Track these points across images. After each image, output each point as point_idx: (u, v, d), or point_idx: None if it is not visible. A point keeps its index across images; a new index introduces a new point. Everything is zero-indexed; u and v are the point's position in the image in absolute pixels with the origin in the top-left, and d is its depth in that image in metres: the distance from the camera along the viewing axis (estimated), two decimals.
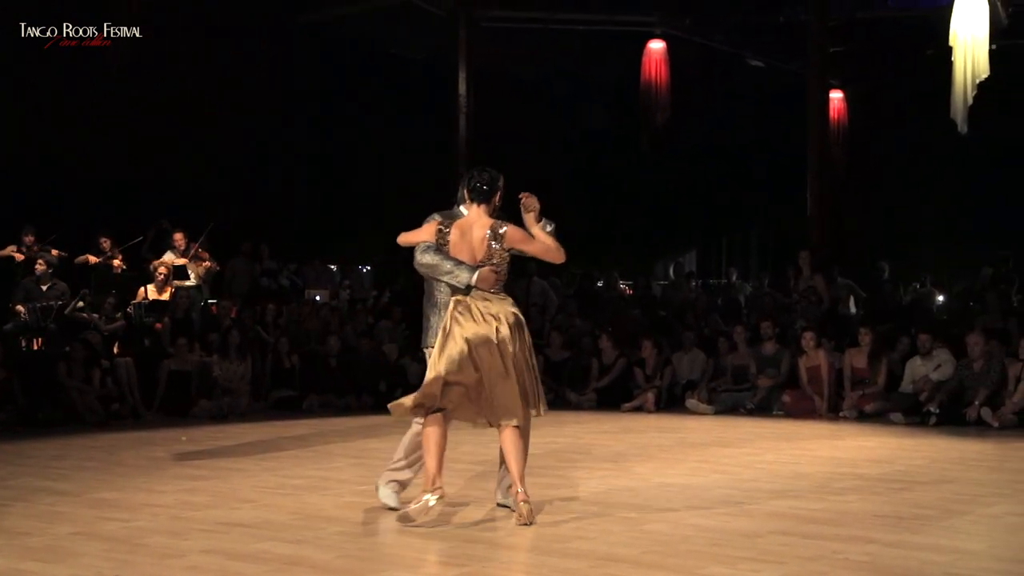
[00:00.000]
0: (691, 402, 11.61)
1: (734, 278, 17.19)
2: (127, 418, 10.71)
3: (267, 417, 11.15)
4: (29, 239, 12.86)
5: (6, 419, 9.87)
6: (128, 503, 6.08)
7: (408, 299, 14.60)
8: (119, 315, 12.27)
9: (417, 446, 5.57)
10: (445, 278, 5.45)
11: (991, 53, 11.32)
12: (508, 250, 5.47)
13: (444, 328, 5.35)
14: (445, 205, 5.77)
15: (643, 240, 21.95)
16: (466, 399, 5.30)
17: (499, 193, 5.57)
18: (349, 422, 10.73)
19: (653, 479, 6.88)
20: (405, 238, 5.60)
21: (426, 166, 16.96)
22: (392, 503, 5.65)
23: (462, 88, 15.73)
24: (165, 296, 12.96)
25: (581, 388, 12.29)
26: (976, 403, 10.05)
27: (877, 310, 13.65)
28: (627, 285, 17.89)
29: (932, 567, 4.48)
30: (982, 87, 11.30)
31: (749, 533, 5.15)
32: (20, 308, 11.60)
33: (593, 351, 12.57)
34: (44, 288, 12.01)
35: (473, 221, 5.51)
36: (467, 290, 5.38)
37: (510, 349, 5.28)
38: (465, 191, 5.60)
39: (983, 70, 11.20)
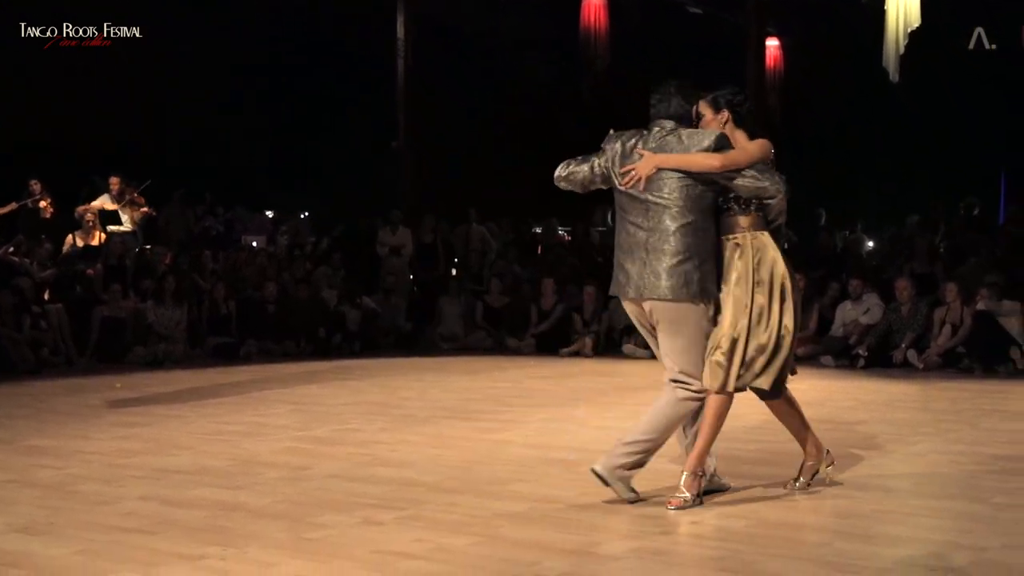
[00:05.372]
0: (628, 347, 11.74)
1: None
2: (59, 365, 10.54)
3: (204, 364, 11.06)
4: None
5: None
6: (62, 450, 6.02)
7: (347, 245, 14.50)
8: (51, 263, 12.02)
9: (674, 422, 4.69)
10: (781, 215, 4.58)
11: (922, 2, 11.49)
12: None
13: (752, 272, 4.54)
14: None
15: None
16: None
17: None
18: (287, 368, 10.69)
19: (591, 422, 6.97)
20: (750, 153, 4.47)
21: (364, 117, 16.73)
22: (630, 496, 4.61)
23: (400, 32, 15.50)
24: (95, 242, 12.71)
25: (520, 334, 12.38)
26: (903, 346, 10.32)
27: (811, 256, 13.87)
28: (566, 231, 17.93)
29: (861, 503, 4.62)
30: (914, 36, 11.49)
31: None
32: None
33: (532, 297, 12.63)
34: None
35: None
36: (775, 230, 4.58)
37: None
38: (727, 111, 4.68)
39: (914, 19, 11.40)
